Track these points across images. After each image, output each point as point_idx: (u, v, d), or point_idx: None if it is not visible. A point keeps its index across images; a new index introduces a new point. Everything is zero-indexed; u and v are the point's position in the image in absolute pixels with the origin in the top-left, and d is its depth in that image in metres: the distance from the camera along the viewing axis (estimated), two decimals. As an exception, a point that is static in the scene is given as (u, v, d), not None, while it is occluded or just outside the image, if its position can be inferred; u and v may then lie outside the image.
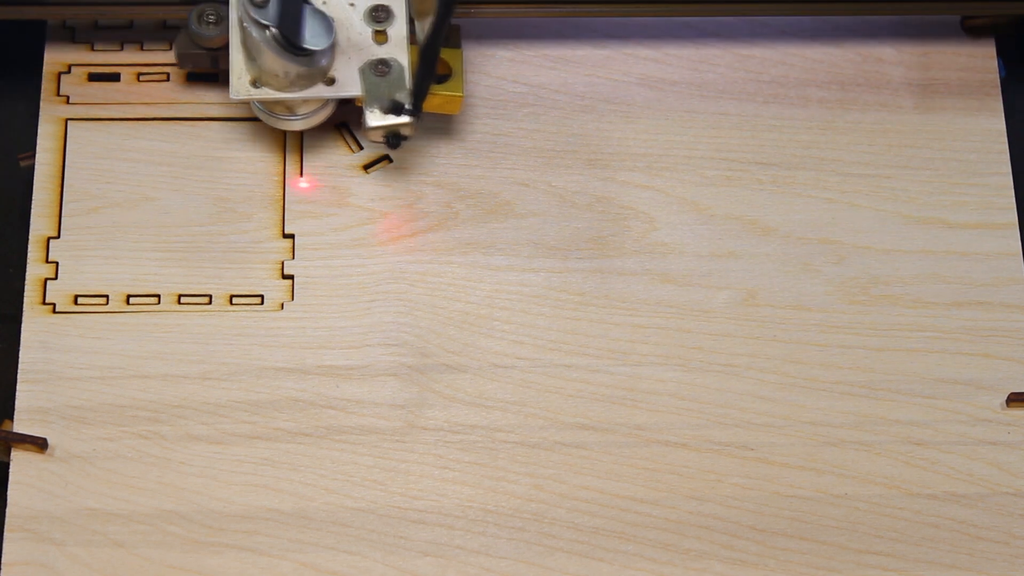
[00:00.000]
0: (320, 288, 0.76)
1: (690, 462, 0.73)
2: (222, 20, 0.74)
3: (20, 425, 0.72)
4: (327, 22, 0.73)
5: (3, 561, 0.70)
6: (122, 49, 0.80)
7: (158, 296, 0.75)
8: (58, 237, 0.76)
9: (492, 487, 0.72)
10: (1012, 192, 0.79)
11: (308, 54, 0.72)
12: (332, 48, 0.73)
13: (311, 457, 0.72)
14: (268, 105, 0.75)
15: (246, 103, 0.76)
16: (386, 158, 0.78)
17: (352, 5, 0.74)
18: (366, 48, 0.74)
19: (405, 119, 0.72)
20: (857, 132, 0.80)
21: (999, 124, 0.80)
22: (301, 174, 0.78)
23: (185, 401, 0.73)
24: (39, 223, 0.76)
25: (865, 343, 0.76)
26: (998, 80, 0.81)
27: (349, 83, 0.74)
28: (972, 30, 0.82)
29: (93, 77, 0.79)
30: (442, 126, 0.79)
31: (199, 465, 0.72)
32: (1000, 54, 0.82)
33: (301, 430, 0.73)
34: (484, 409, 0.74)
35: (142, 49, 0.80)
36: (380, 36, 0.74)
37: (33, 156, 0.78)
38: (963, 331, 0.76)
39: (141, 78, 0.79)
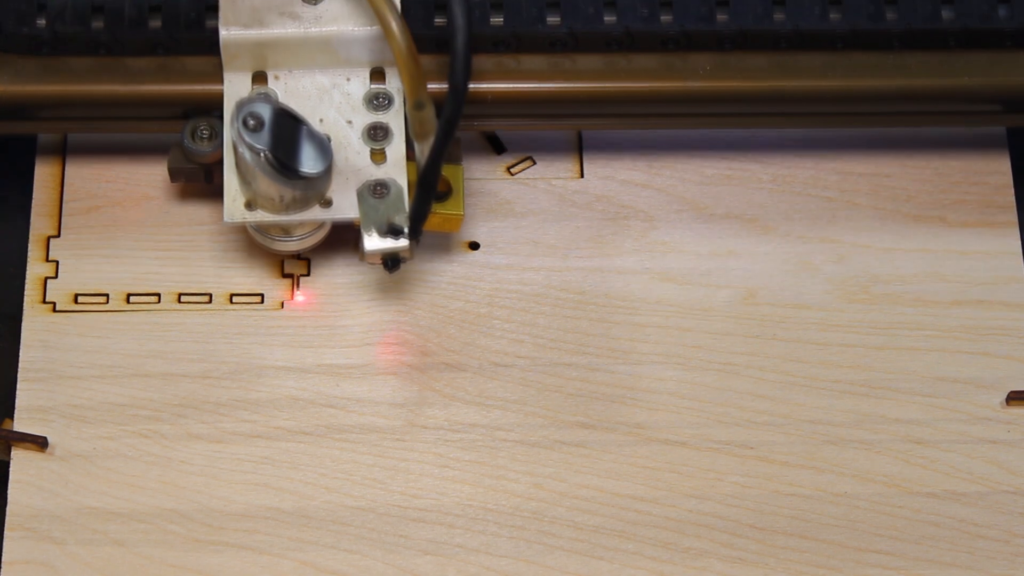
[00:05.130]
0: (320, 287, 0.76)
1: (690, 461, 0.73)
2: (216, 135, 0.71)
3: (20, 424, 0.72)
4: (324, 144, 0.68)
5: (3, 560, 0.70)
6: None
7: (158, 295, 0.75)
8: (58, 236, 0.76)
9: (492, 486, 0.72)
10: (1012, 191, 0.79)
11: (304, 178, 0.68)
12: (329, 170, 0.69)
13: (311, 456, 0.72)
14: (263, 227, 0.72)
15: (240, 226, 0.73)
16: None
17: (350, 123, 0.71)
18: (364, 168, 0.70)
19: (403, 243, 0.69)
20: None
21: (999, 123, 0.80)
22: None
23: (185, 400, 0.73)
24: (39, 222, 0.76)
25: (865, 342, 0.76)
26: (998, 79, 0.81)
27: (346, 205, 0.69)
28: None
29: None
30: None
31: (199, 464, 0.72)
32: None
33: (301, 429, 0.73)
34: (484, 408, 0.74)
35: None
36: (378, 156, 0.70)
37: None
38: (963, 330, 0.76)
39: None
